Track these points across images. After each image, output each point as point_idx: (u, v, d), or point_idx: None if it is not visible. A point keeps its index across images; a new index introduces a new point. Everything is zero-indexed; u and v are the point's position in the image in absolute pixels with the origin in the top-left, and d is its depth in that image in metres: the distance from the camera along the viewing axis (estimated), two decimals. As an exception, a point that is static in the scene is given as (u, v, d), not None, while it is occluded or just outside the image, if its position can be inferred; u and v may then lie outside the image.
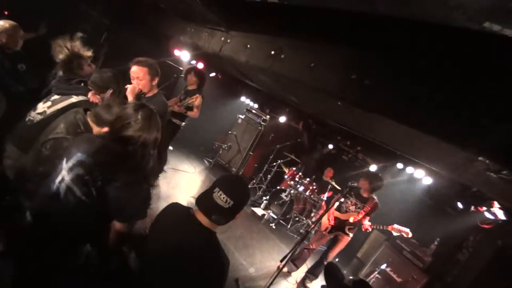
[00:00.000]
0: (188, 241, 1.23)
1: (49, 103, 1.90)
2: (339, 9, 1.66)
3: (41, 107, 1.90)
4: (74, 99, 1.89)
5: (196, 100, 3.79)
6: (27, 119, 1.87)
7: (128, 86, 2.30)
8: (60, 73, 2.22)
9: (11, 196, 1.46)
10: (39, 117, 1.84)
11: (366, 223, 3.36)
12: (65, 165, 1.19)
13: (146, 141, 1.25)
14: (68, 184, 1.15)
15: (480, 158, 1.41)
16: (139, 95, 2.34)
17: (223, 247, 1.27)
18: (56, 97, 1.92)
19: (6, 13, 3.19)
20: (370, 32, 1.73)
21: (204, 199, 1.27)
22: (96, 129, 1.60)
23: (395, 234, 3.30)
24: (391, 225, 3.29)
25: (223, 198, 1.21)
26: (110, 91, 2.16)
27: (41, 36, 4.00)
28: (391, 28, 1.56)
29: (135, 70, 2.35)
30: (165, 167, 4.52)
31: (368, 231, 3.40)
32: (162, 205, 1.51)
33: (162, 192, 3.98)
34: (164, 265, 1.24)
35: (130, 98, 2.25)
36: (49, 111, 1.85)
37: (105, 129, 1.48)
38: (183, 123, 4.04)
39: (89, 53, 2.26)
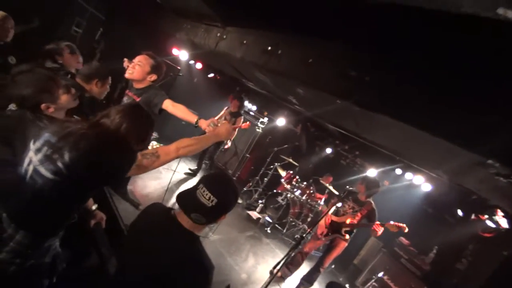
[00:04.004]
0: (166, 244, 1.11)
1: None
2: (338, 1, 1.57)
3: None
4: None
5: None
6: (7, 109, 1.78)
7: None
8: None
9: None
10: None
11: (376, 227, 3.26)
12: (32, 146, 1.09)
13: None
14: (36, 166, 1.06)
15: (489, 161, 1.30)
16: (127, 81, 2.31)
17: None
18: None
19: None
20: (371, 26, 1.63)
21: (185, 196, 1.16)
22: None
23: (392, 231, 3.22)
24: (387, 222, 3.25)
25: (206, 195, 1.10)
26: (95, 81, 2.12)
27: (33, 29, 3.90)
28: (394, 20, 1.46)
29: (139, 57, 2.32)
30: (161, 168, 4.46)
31: (377, 234, 3.26)
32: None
33: (154, 194, 3.85)
34: (140, 270, 1.12)
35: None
36: None
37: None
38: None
39: None
